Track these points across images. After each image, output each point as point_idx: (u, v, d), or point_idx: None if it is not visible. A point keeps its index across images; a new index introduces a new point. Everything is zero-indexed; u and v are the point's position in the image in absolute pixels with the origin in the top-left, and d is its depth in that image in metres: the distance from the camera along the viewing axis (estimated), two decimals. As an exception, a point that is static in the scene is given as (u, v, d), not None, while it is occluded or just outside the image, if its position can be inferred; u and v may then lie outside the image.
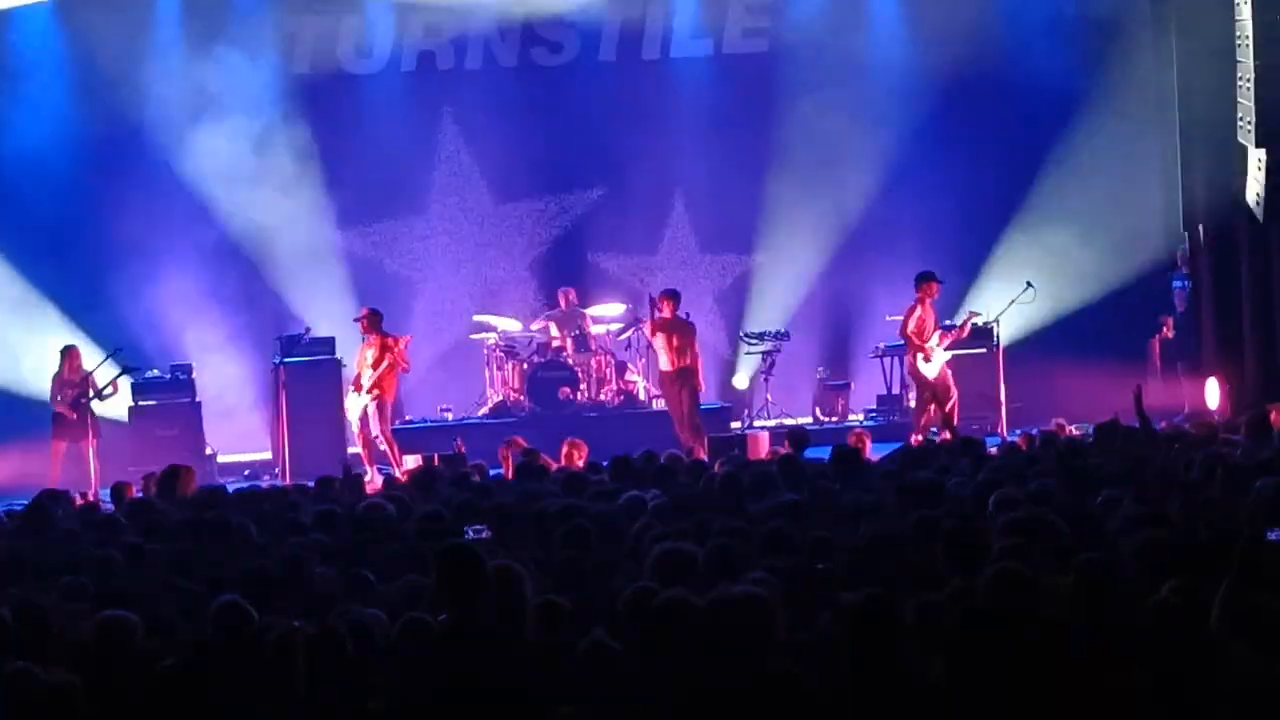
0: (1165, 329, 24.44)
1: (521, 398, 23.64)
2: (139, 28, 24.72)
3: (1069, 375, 22.33)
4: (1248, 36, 20.59)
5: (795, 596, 8.80)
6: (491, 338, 24.33)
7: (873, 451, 16.95)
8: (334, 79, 25.40)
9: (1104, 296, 24.60)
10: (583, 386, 23.75)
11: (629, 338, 24.03)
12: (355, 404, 21.44)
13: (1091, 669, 7.70)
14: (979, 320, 22.55)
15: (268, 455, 23.72)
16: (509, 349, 24.22)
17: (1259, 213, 21.13)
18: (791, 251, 25.65)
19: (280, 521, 12.60)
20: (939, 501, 11.46)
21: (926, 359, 21.43)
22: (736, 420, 24.12)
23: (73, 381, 21.70)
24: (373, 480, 18.85)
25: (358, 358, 21.68)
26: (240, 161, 24.48)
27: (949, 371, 21.55)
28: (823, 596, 8.81)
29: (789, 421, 24.07)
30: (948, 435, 20.15)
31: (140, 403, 23.23)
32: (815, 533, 10.36)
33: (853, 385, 25.15)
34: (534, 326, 24.40)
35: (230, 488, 16.37)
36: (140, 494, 15.89)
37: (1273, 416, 15.46)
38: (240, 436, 24.47)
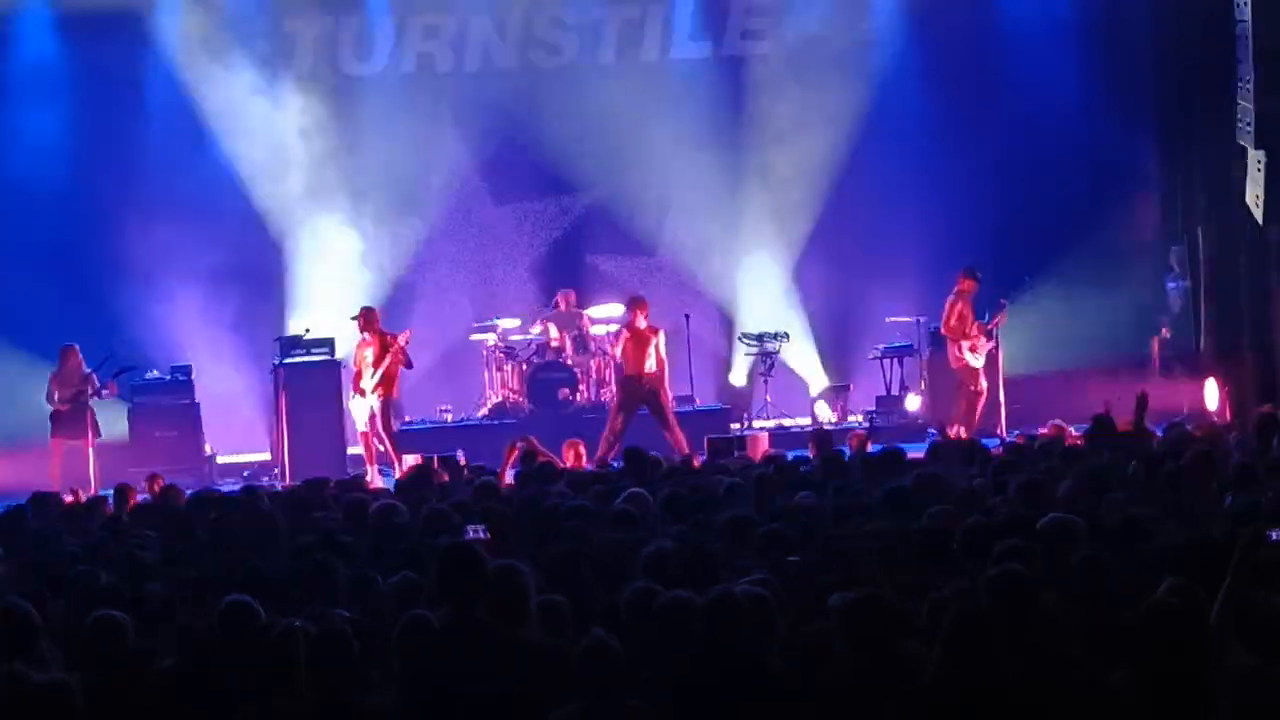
0: (1163, 330, 24.46)
1: (521, 399, 23.64)
2: (138, 29, 24.71)
3: (1067, 377, 22.30)
4: (1248, 38, 20.60)
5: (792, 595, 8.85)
6: (491, 339, 24.33)
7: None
8: (333, 81, 25.40)
9: (1101, 298, 24.58)
10: (581, 387, 23.75)
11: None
12: (360, 405, 21.40)
13: (1089, 668, 7.72)
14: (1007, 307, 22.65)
15: (267, 456, 23.72)
16: (508, 350, 24.22)
17: (1257, 214, 21.15)
18: (790, 252, 25.65)
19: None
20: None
21: (974, 351, 21.61)
22: (735, 421, 24.11)
23: (71, 380, 21.70)
24: (373, 480, 18.85)
25: (355, 357, 21.68)
26: (239, 164, 24.50)
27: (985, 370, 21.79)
28: (816, 596, 8.83)
29: (788, 423, 24.11)
30: (963, 431, 20.23)
31: (139, 403, 23.23)
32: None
33: (852, 386, 25.14)
34: (534, 330, 24.35)
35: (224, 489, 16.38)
36: (145, 496, 15.88)
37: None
38: (239, 437, 24.46)
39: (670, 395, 22.08)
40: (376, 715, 7.78)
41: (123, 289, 24.41)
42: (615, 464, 17.09)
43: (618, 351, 21.73)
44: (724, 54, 26.07)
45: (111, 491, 16.01)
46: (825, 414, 24.56)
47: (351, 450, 22.13)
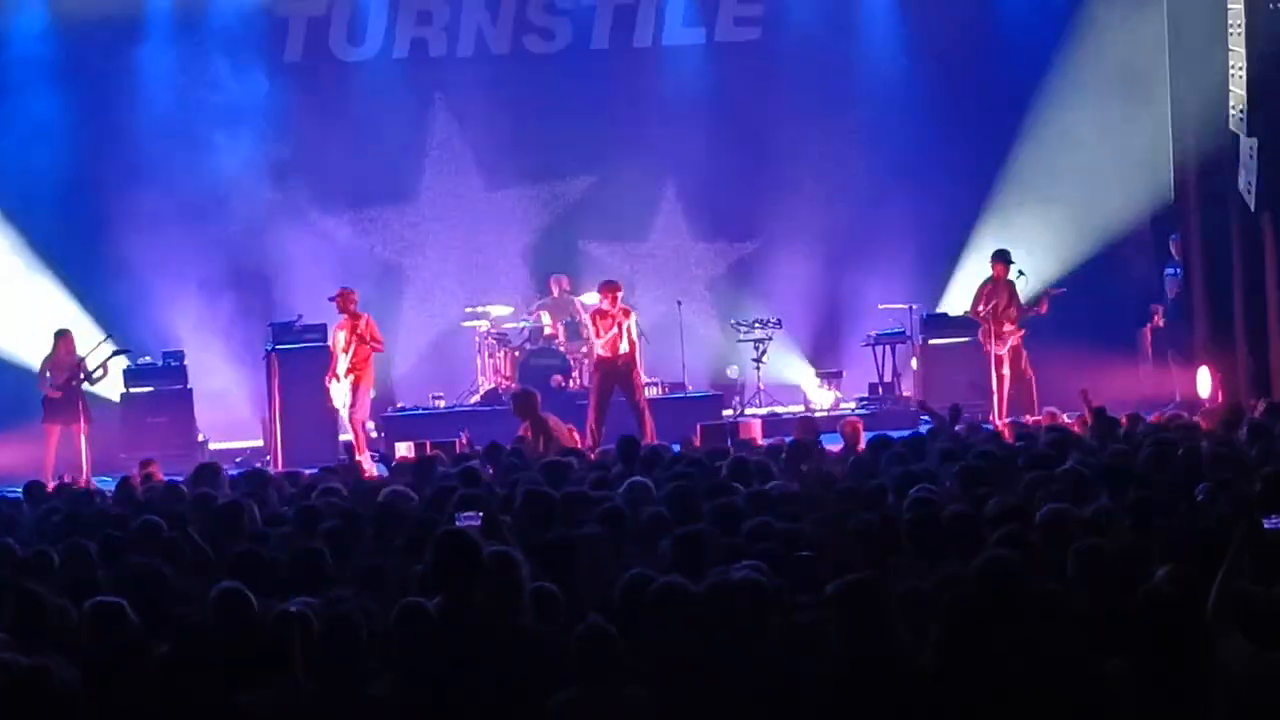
0: (1156, 317, 24.46)
1: (513, 385, 23.62)
2: (133, 15, 24.68)
3: (1061, 364, 22.30)
4: (1240, 25, 20.59)
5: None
6: (483, 325, 24.31)
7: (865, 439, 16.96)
8: (326, 66, 25.38)
9: (1095, 284, 24.59)
10: (574, 374, 23.74)
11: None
12: (338, 390, 21.43)
13: (1086, 655, 7.73)
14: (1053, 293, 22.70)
15: (259, 443, 23.68)
16: (501, 336, 24.20)
17: (1250, 200, 21.14)
18: (783, 239, 25.65)
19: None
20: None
21: (999, 337, 21.68)
22: (728, 408, 24.10)
23: (65, 365, 21.68)
24: (369, 470, 18.84)
25: (331, 341, 21.68)
26: (233, 149, 24.47)
27: (1009, 357, 21.84)
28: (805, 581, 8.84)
29: (780, 410, 24.10)
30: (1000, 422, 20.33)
31: (132, 389, 23.22)
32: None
33: (845, 373, 25.13)
34: (542, 320, 24.29)
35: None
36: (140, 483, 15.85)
37: None
38: (232, 424, 24.44)
39: (644, 380, 22.06)
40: (375, 703, 7.78)
41: (116, 275, 24.37)
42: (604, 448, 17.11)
43: (595, 339, 21.70)
44: (717, 40, 26.05)
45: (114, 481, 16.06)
46: (818, 400, 24.56)
47: (343, 437, 22.08)
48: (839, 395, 24.61)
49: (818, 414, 23.07)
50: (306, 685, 7.69)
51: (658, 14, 25.95)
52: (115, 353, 21.91)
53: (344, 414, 21.57)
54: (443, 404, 24.14)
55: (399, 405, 24.54)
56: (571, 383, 23.58)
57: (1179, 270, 23.81)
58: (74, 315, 23.57)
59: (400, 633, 8.04)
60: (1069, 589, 8.49)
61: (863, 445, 16.04)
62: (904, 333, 24.54)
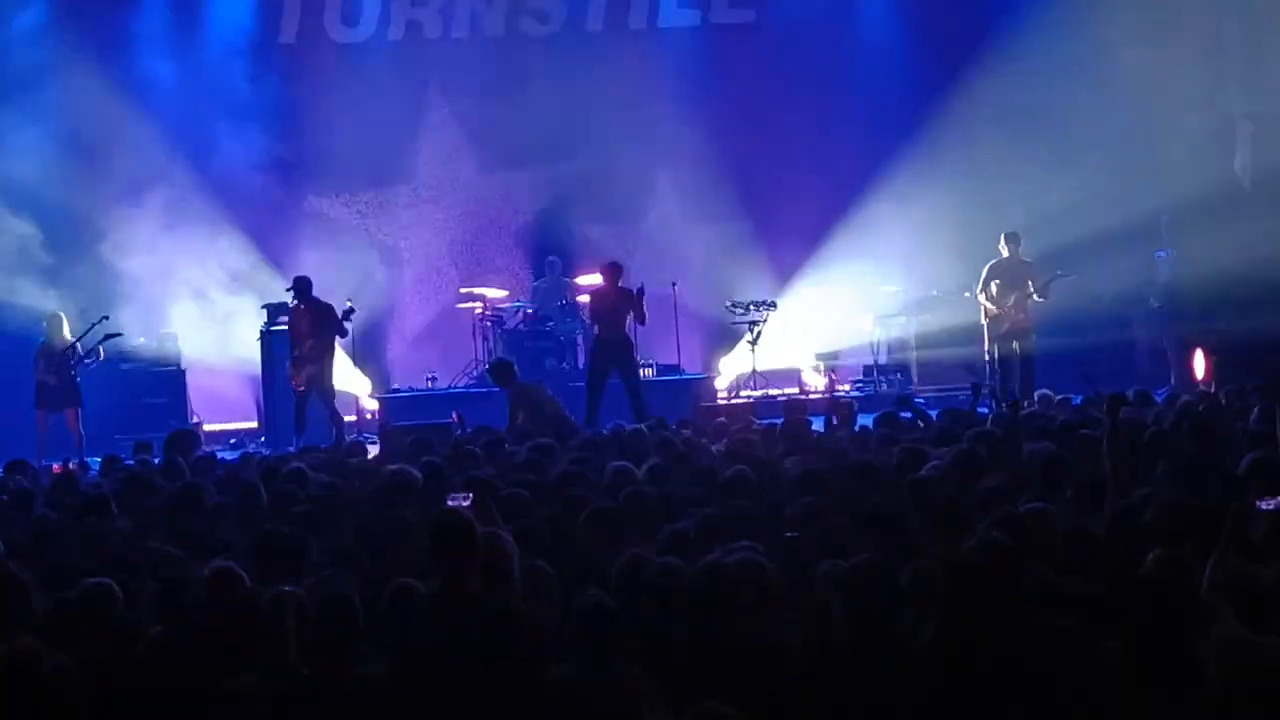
0: (1151, 301, 24.46)
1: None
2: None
3: (1055, 347, 22.30)
4: (1236, 9, 20.61)
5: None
6: (478, 307, 24.31)
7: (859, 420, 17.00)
8: (321, 48, 25.36)
9: (1090, 268, 24.57)
10: (569, 356, 23.74)
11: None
12: (300, 374, 21.45)
13: (1081, 636, 7.73)
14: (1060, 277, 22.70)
15: (254, 424, 23.70)
16: (496, 318, 24.20)
17: (1245, 181, 21.16)
18: (779, 221, 25.64)
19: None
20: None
21: (999, 319, 21.72)
22: (723, 390, 24.13)
23: (57, 349, 21.65)
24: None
25: (293, 327, 21.65)
26: (228, 130, 24.46)
27: (1014, 339, 21.86)
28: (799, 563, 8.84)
29: (774, 392, 24.09)
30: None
31: (126, 370, 23.21)
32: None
33: (840, 355, 25.14)
34: (529, 301, 24.32)
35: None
36: (131, 463, 15.85)
37: None
38: (225, 405, 24.45)
39: (639, 361, 22.07)
40: (370, 684, 7.79)
41: (110, 257, 24.36)
42: (602, 430, 17.09)
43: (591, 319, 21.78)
44: (712, 22, 26.05)
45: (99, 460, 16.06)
46: (812, 382, 24.58)
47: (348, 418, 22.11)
48: (834, 376, 24.59)
49: (813, 396, 23.10)
50: (300, 666, 7.68)
51: (653, -4, 26.01)
52: (108, 336, 21.89)
53: (317, 397, 21.60)
54: (435, 384, 24.12)
55: (394, 387, 24.54)
56: (566, 365, 23.57)
57: (1171, 252, 23.82)
58: (66, 298, 23.54)
59: (395, 614, 8.05)
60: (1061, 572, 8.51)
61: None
62: (900, 315, 24.54)
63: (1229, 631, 7.76)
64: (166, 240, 24.46)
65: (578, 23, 25.91)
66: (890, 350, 24.53)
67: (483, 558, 8.16)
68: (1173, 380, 22.48)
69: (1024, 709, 7.01)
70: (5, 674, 7.29)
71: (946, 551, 8.48)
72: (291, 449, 18.05)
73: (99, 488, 13.28)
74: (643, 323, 21.20)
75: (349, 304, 21.61)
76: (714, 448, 14.28)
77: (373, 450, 17.58)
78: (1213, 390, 19.18)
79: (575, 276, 24.41)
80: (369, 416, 23.73)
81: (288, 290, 21.62)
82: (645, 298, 20.82)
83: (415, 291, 25.69)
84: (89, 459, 19.36)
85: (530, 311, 24.13)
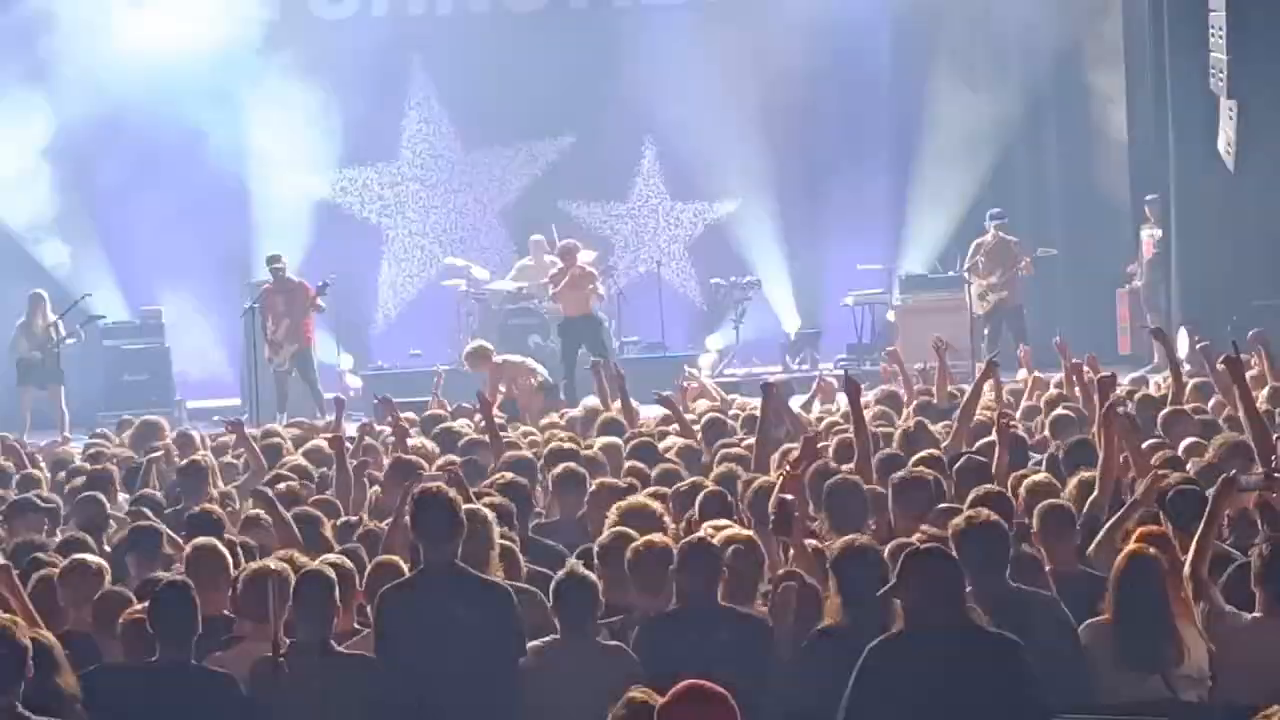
0: (1133, 279, 24.47)
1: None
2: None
3: (1039, 324, 22.31)
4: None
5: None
6: (463, 284, 24.27)
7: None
8: (304, 24, 25.28)
9: (1073, 247, 24.60)
10: (553, 334, 23.71)
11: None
12: (280, 354, 21.45)
13: (1063, 615, 7.74)
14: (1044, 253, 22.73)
15: (237, 401, 23.66)
16: (479, 297, 24.17)
17: (1229, 162, 21.15)
18: (763, 200, 25.63)
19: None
20: None
21: (981, 297, 21.80)
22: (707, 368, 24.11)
23: (40, 327, 21.62)
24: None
25: (265, 304, 21.60)
26: (211, 107, 24.39)
27: (999, 315, 21.90)
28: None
29: (758, 370, 24.09)
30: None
31: (110, 348, 23.18)
32: None
33: (823, 334, 25.14)
34: (517, 280, 24.30)
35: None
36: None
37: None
38: (210, 382, 24.43)
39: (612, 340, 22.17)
40: (352, 659, 7.79)
41: (94, 235, 24.32)
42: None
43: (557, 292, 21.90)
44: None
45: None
46: (796, 361, 24.59)
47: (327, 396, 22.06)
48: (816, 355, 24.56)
49: (796, 375, 23.13)
50: (285, 641, 7.68)
51: (638, -28, 25.96)
52: (90, 318, 21.84)
53: (299, 376, 21.59)
54: (421, 362, 24.09)
55: (378, 363, 24.54)
56: (550, 343, 23.55)
57: (1155, 232, 23.82)
58: (49, 276, 23.51)
59: (377, 589, 8.05)
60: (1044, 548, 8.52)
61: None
62: (883, 293, 24.53)
63: (1214, 607, 7.79)
64: (150, 217, 24.38)
65: (562, 0, 25.91)
66: (874, 328, 24.50)
67: (465, 531, 8.15)
68: (1155, 359, 22.48)
69: (1010, 686, 7.01)
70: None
71: (933, 528, 8.50)
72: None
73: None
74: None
75: (323, 281, 21.63)
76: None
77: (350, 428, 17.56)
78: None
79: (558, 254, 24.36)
80: (352, 393, 23.67)
81: (276, 267, 21.64)
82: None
83: (398, 269, 25.67)
84: (73, 436, 19.33)
85: (517, 290, 24.07)
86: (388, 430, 14.40)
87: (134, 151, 24.27)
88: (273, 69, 24.70)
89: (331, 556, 8.66)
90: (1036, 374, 17.40)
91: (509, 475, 10.45)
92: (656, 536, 8.33)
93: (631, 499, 9.42)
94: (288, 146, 24.78)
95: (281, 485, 11.03)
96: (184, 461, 12.74)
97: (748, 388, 21.67)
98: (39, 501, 11.32)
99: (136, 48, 24.18)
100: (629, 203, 26.11)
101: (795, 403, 16.20)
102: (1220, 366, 12.12)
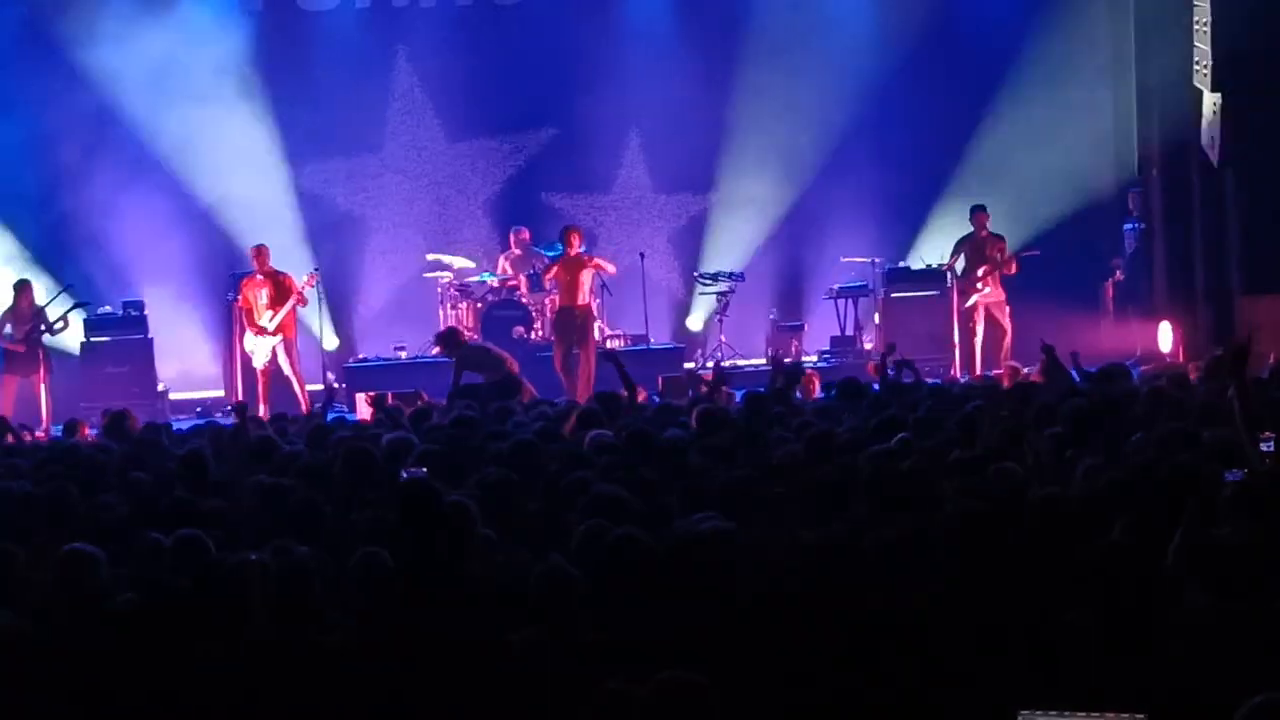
0: (1117, 272, 24.52)
1: (475, 337, 23.58)
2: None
3: (1022, 318, 22.36)
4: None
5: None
6: (446, 276, 24.27)
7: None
8: (288, 16, 25.25)
9: (1056, 240, 24.61)
10: (536, 326, 23.73)
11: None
12: (263, 345, 21.41)
13: (1047, 606, 7.75)
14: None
15: (220, 393, 23.66)
16: (463, 288, 24.17)
17: (1212, 156, 21.18)
18: (747, 192, 25.63)
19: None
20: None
21: (963, 293, 21.85)
22: (690, 361, 24.12)
23: (25, 316, 21.58)
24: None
25: (245, 294, 21.56)
26: (194, 98, 24.36)
27: (981, 312, 21.93)
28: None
29: (742, 363, 24.09)
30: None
31: (92, 339, 23.16)
32: None
33: (806, 326, 25.16)
34: (499, 272, 24.28)
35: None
36: (95, 431, 15.83)
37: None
38: (193, 373, 24.40)
39: (594, 337, 22.19)
40: (336, 652, 7.77)
41: (75, 225, 24.28)
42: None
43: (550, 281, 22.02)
44: (682, -8, 26.03)
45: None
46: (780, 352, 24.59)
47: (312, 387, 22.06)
48: (798, 346, 24.61)
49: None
50: (266, 634, 7.67)
51: (622, -37, 25.93)
52: (75, 304, 21.83)
53: (259, 365, 21.54)
54: (405, 355, 24.11)
55: (360, 356, 24.53)
56: (534, 334, 23.57)
57: (1138, 225, 23.88)
58: (33, 266, 23.47)
59: (361, 582, 8.04)
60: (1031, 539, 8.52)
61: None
62: (867, 286, 24.55)
63: (1194, 600, 7.79)
64: (133, 208, 24.36)
65: (545, -7, 25.92)
66: (856, 321, 24.53)
67: (449, 525, 8.15)
68: (1139, 353, 22.54)
69: (990, 677, 7.02)
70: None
71: (915, 519, 8.50)
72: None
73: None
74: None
75: (308, 273, 21.63)
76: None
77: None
78: (1180, 362, 19.28)
79: (542, 246, 24.37)
80: (336, 386, 23.68)
81: (259, 259, 21.63)
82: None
83: (381, 261, 25.64)
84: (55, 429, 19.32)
85: (500, 282, 24.07)
86: None
87: (117, 142, 24.24)
88: (257, 60, 24.68)
89: None
90: (1012, 364, 17.49)
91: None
92: None
93: None
94: (271, 138, 24.76)
95: None
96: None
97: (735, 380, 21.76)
98: None
99: (116, 33, 24.19)
100: (612, 194, 26.08)
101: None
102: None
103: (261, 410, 20.33)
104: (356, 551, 8.58)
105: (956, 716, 7.02)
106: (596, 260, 22.32)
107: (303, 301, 21.78)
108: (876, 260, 24.57)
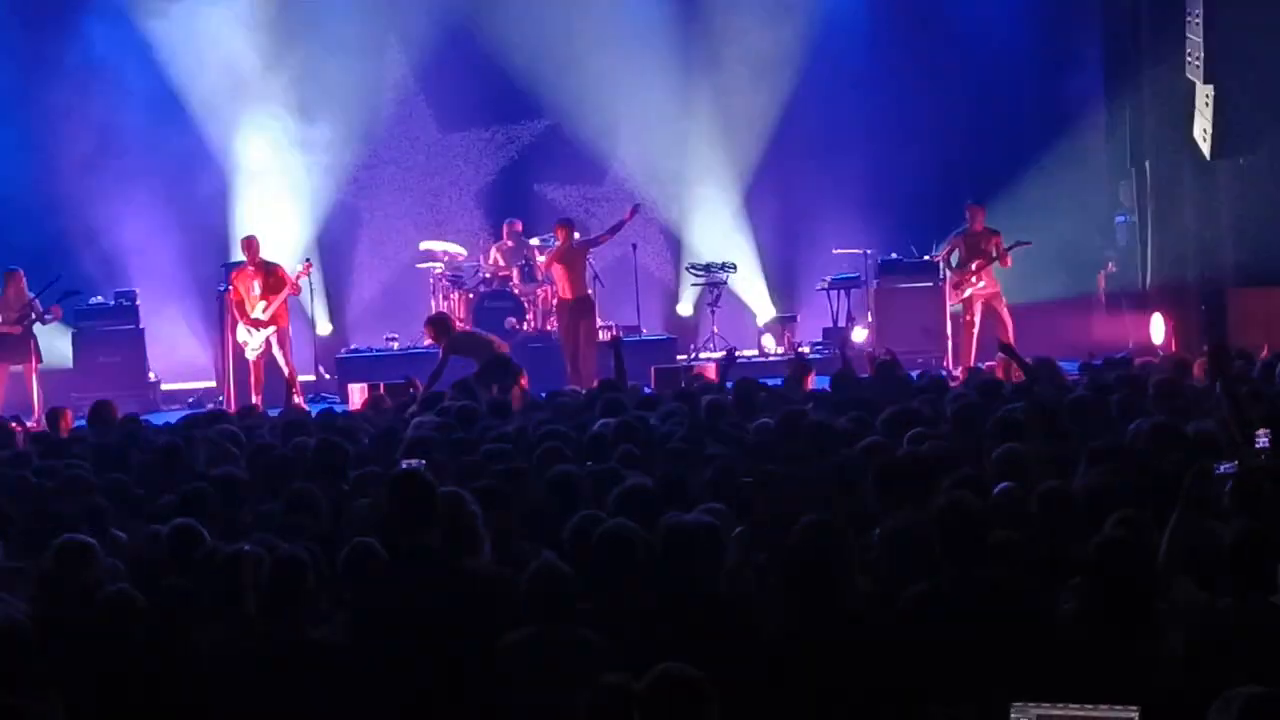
0: (1109, 265, 24.53)
1: (467, 326, 23.56)
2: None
3: (1015, 311, 22.37)
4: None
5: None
6: (438, 267, 24.26)
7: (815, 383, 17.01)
8: (281, 5, 25.21)
9: (1049, 233, 24.61)
10: (528, 316, 23.72)
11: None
12: (256, 336, 21.37)
13: (1041, 600, 7.76)
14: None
15: (212, 383, 23.64)
16: (455, 278, 24.15)
17: (1205, 148, 21.20)
18: (739, 183, 25.62)
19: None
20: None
21: (956, 286, 21.88)
22: (682, 353, 24.12)
23: (13, 305, 21.55)
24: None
25: (237, 285, 21.52)
26: (183, 87, 24.34)
27: (977, 305, 21.93)
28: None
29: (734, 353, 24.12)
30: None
31: (84, 328, 23.12)
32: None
33: (799, 317, 25.17)
34: (490, 265, 24.28)
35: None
36: (84, 421, 15.79)
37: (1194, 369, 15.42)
38: (184, 364, 24.38)
39: (597, 325, 22.22)
40: (327, 644, 7.77)
41: (66, 215, 24.24)
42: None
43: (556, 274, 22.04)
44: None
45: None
46: (771, 345, 24.62)
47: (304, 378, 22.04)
48: (786, 343, 24.67)
49: (771, 358, 23.21)
50: (258, 625, 7.66)
51: (614, -46, 25.90)
52: (67, 293, 21.80)
53: (251, 357, 21.51)
54: (397, 345, 24.09)
55: (352, 347, 24.52)
56: (526, 325, 23.56)
57: (1129, 218, 23.90)
58: (24, 254, 23.43)
59: (352, 574, 8.03)
60: (1027, 532, 8.53)
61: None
62: (859, 277, 24.56)
63: (1185, 595, 7.80)
64: (124, 199, 24.34)
65: (539, -19, 25.90)
66: (849, 312, 24.53)
67: (444, 518, 8.14)
68: (1130, 345, 22.56)
69: (983, 669, 7.03)
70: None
71: (916, 512, 8.50)
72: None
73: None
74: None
75: (303, 262, 21.61)
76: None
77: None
78: (1173, 354, 19.29)
79: (534, 237, 24.33)
80: (327, 377, 23.71)
81: (251, 249, 21.60)
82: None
83: (374, 251, 25.62)
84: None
85: (492, 273, 24.06)
86: None
87: (109, 132, 24.23)
88: (249, 51, 24.66)
89: None
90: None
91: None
92: None
93: None
94: (263, 129, 24.74)
95: None
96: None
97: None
98: None
99: (104, 21, 24.20)
100: (605, 186, 26.07)
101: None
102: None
103: (255, 400, 20.31)
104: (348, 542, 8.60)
105: (948, 706, 7.04)
106: (599, 236, 22.33)
107: (296, 290, 21.76)
108: (869, 252, 24.58)
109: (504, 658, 7.53)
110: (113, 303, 23.45)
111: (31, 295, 21.58)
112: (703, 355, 24.06)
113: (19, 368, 21.42)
